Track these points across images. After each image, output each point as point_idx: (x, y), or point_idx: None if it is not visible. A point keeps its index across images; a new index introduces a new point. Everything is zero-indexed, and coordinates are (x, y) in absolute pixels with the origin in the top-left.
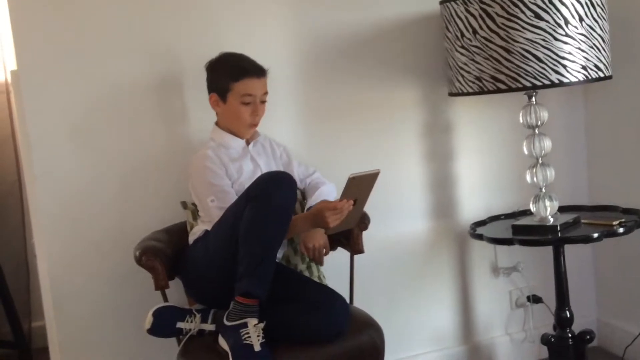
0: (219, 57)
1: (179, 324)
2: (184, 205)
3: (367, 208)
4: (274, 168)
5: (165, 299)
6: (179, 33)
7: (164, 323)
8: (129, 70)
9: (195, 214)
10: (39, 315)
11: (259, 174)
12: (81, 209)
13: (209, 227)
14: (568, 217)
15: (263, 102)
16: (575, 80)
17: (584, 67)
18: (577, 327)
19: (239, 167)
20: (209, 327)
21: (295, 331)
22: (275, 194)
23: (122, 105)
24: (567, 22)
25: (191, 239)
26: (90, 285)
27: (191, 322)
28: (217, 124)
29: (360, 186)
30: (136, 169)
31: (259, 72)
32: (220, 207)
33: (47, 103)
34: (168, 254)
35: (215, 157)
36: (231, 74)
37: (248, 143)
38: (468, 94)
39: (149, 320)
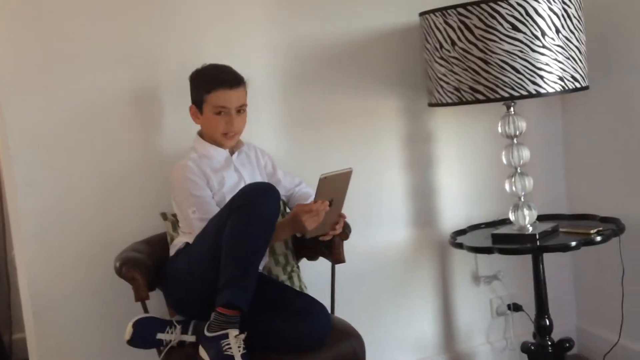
0: (199, 69)
1: (159, 335)
2: (164, 216)
3: (348, 218)
4: (258, 179)
5: (146, 310)
6: (160, 45)
7: (144, 334)
8: (109, 81)
9: (175, 225)
10: (19, 327)
11: (242, 185)
12: (61, 220)
13: (189, 239)
14: (547, 225)
15: (240, 112)
16: (553, 90)
17: (560, 78)
18: (556, 335)
19: (221, 178)
20: (190, 338)
21: (276, 340)
22: (259, 205)
23: (101, 116)
24: (544, 33)
25: (172, 250)
26: (71, 297)
27: (171, 333)
28: (199, 134)
29: (333, 186)
30: (117, 180)
31: (232, 83)
32: (202, 218)
33: (27, 114)
34: (148, 265)
35: (195, 168)
36: (205, 86)
37: (232, 153)
38: (447, 104)
39: (128, 331)
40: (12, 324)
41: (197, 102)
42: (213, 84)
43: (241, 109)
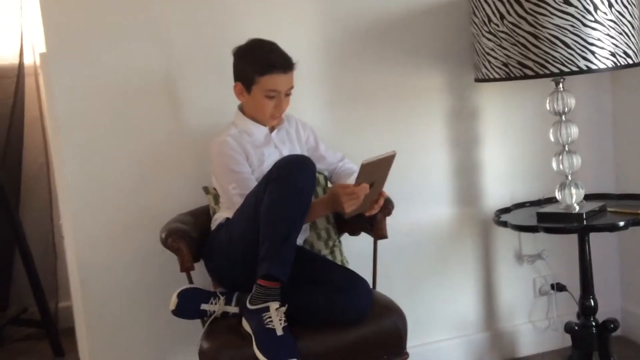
0: (247, 45)
1: (203, 306)
2: (206, 190)
3: (391, 193)
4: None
5: (190, 281)
6: (201, 21)
7: (188, 304)
8: (157, 52)
9: (217, 198)
10: (65, 295)
11: None
12: (108, 190)
13: (230, 214)
14: (594, 205)
15: (288, 95)
16: (604, 66)
17: (612, 54)
18: (601, 316)
19: (261, 154)
20: (233, 309)
21: (317, 313)
22: (295, 176)
23: (148, 87)
24: (596, 8)
25: (213, 225)
26: (116, 266)
27: (215, 304)
28: (240, 109)
29: (375, 170)
30: (162, 151)
31: (286, 66)
32: (242, 194)
33: (75, 85)
34: (193, 237)
35: (235, 144)
36: (258, 67)
37: (272, 130)
38: (495, 79)
39: (173, 301)
40: (59, 292)
41: (246, 81)
42: (268, 66)
43: (289, 92)
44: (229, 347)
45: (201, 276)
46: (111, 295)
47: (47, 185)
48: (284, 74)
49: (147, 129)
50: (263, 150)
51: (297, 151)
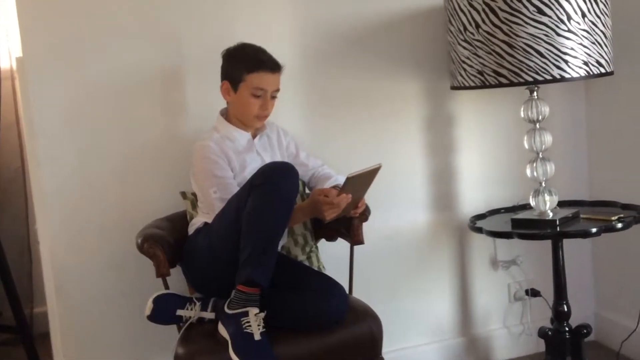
0: (237, 46)
1: (179, 312)
2: (184, 195)
3: (368, 199)
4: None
5: (166, 286)
6: (184, 23)
7: (164, 310)
8: (133, 58)
9: (194, 203)
10: (40, 301)
11: None
12: (84, 195)
13: (208, 219)
14: (567, 211)
15: (273, 97)
16: (577, 75)
17: (585, 63)
18: (574, 321)
19: (243, 160)
20: (209, 315)
21: (294, 319)
22: (279, 183)
23: (125, 92)
24: (569, 17)
25: (191, 229)
26: (92, 272)
27: (191, 309)
28: (223, 114)
29: (359, 182)
30: (139, 156)
31: (274, 67)
32: (223, 198)
33: (51, 89)
34: (170, 242)
35: (217, 148)
36: (246, 65)
37: (254, 136)
38: (470, 87)
39: (149, 306)
40: (34, 297)
41: (233, 80)
42: (256, 64)
43: (275, 94)
44: (205, 352)
45: (177, 281)
46: (87, 300)
47: (22, 190)
48: (271, 73)
49: (124, 133)
50: (245, 156)
51: (278, 158)
